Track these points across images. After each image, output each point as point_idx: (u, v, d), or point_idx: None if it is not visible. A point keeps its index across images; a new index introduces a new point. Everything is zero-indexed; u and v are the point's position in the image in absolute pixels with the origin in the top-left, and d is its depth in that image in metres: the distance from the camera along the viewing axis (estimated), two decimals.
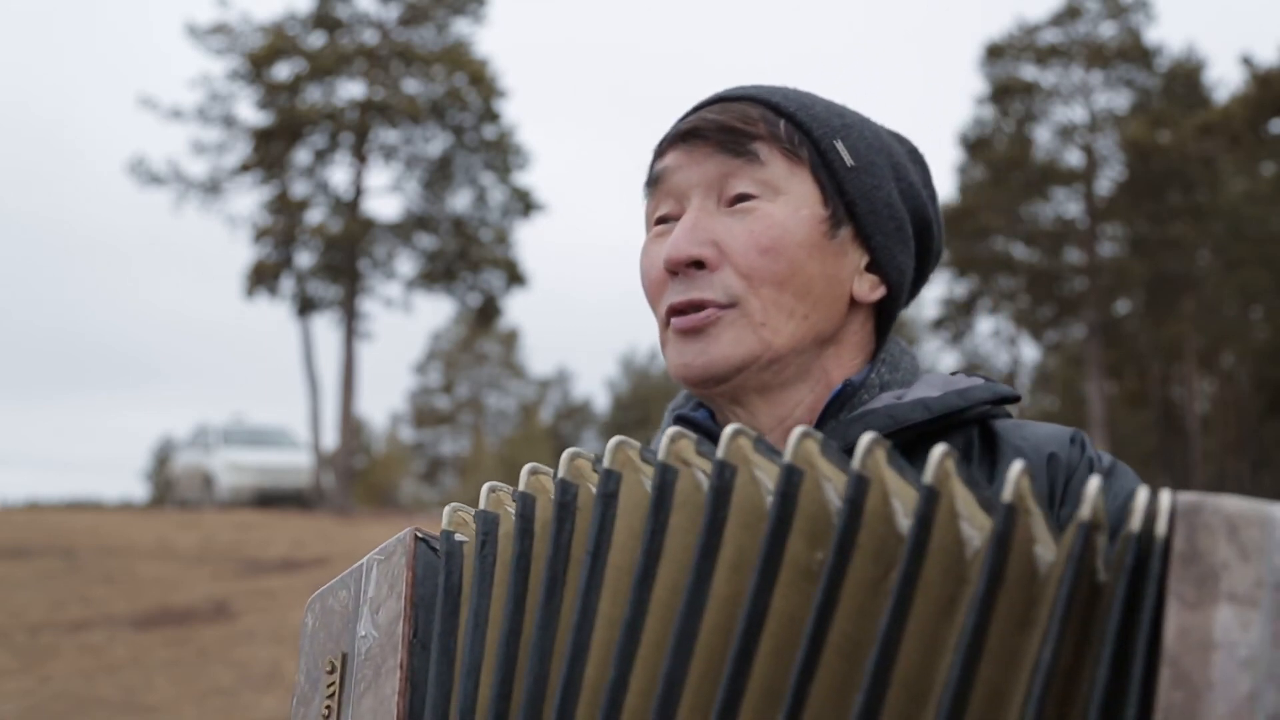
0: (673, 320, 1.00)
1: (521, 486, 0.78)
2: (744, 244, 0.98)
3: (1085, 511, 0.58)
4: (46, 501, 31.55)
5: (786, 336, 0.99)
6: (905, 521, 0.61)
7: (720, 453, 0.67)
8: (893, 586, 0.59)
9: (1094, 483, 0.59)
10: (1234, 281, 26.99)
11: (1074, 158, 27.38)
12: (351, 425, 23.45)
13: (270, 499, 21.35)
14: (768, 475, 0.67)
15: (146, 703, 6.60)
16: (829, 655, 0.61)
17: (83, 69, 74.43)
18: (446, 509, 0.84)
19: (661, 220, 1.04)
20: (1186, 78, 27.18)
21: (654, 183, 1.05)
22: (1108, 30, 27.30)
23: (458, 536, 0.82)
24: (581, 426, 53.60)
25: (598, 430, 53.09)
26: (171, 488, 24.57)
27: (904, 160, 1.07)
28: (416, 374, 50.22)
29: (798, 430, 0.67)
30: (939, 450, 0.62)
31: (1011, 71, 27.58)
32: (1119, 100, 27.47)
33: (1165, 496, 0.57)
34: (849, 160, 1.02)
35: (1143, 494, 0.58)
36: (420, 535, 0.84)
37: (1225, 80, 44.32)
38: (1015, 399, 1.02)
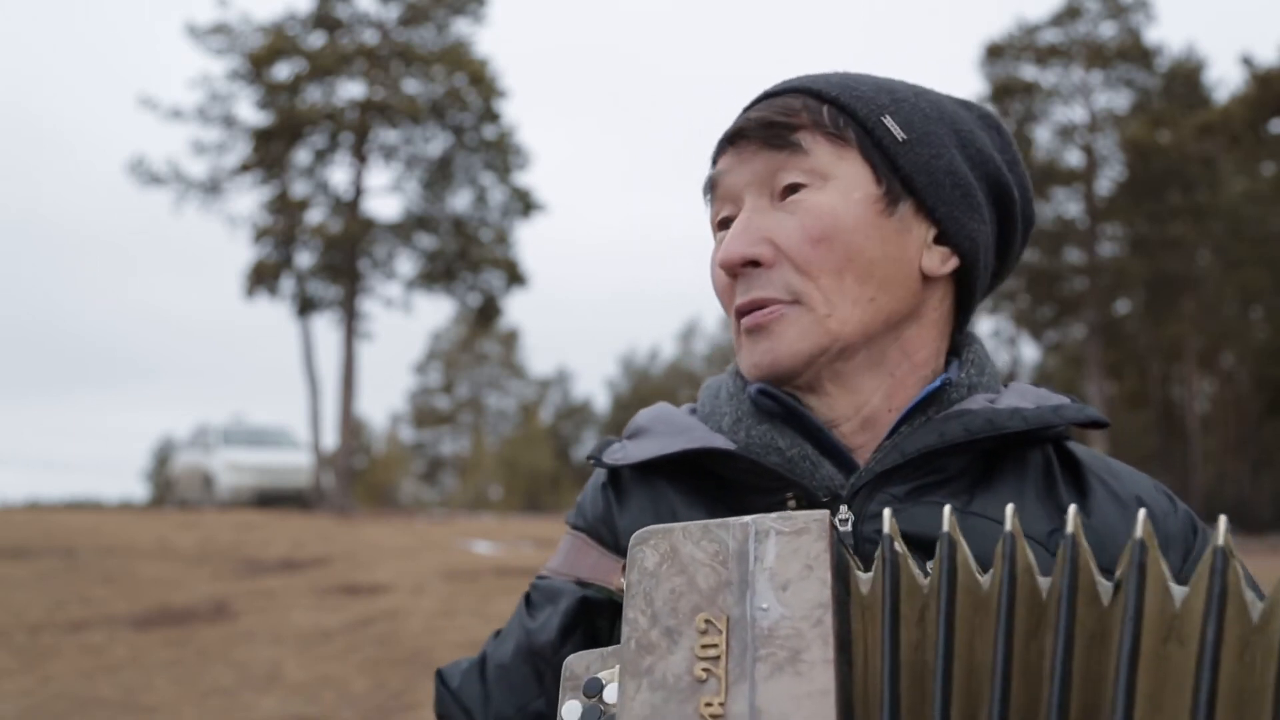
0: (741, 321, 1.00)
1: (944, 527, 0.76)
2: (797, 237, 0.97)
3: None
4: (46, 501, 31.58)
5: (855, 323, 0.97)
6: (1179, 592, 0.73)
7: (1068, 528, 0.74)
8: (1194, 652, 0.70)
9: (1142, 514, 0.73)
10: (1234, 281, 26.99)
11: (1074, 158, 27.39)
12: (351, 425, 23.44)
13: (270, 499, 21.35)
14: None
15: (146, 703, 6.60)
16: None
17: (82, 69, 74.47)
18: (886, 513, 0.78)
19: (723, 224, 1.04)
20: (1186, 78, 27.17)
21: (710, 189, 1.04)
22: (1108, 30, 27.30)
23: (897, 546, 0.77)
24: (581, 426, 53.61)
25: (598, 430, 53.08)
26: (171, 488, 24.57)
27: (972, 126, 1.04)
28: (416, 374, 50.25)
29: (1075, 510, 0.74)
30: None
31: (1011, 71, 27.58)
32: (1119, 100, 27.49)
33: None
34: (900, 135, 0.99)
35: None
36: (834, 524, 0.79)
37: (1225, 80, 44.38)
38: (1104, 425, 1.01)
